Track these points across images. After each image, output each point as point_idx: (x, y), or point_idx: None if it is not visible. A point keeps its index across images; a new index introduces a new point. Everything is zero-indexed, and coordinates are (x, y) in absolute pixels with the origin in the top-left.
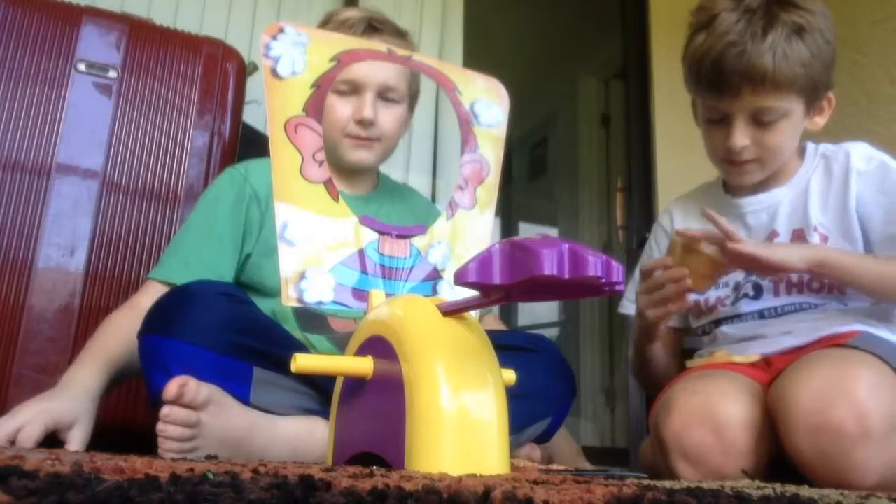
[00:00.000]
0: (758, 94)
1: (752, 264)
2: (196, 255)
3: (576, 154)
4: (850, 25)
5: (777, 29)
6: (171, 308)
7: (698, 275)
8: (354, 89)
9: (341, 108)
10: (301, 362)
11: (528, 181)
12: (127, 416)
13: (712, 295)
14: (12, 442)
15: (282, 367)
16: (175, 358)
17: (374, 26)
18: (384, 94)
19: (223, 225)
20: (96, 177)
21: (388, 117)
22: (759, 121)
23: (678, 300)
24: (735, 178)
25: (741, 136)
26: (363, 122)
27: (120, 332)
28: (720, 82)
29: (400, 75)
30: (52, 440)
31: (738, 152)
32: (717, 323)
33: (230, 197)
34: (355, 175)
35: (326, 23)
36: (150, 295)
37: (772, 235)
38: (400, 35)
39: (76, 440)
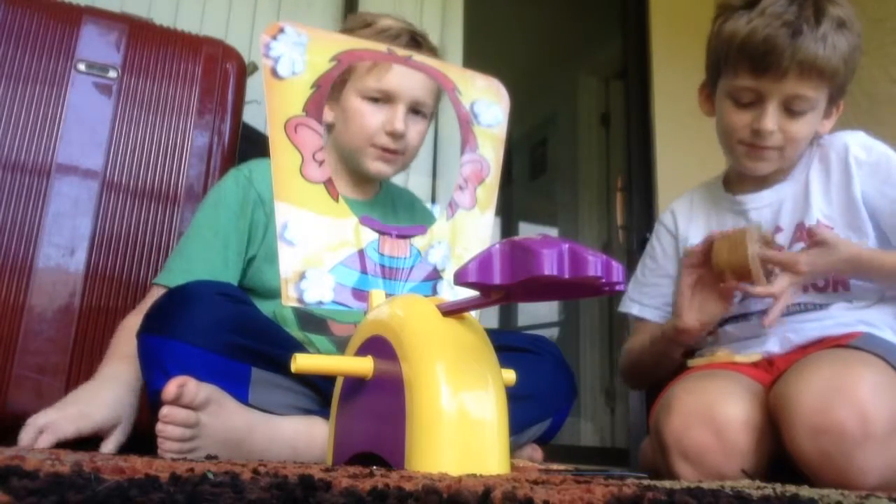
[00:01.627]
0: (801, 79)
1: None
2: (200, 261)
3: (576, 154)
4: None
5: (828, 19)
6: (169, 308)
7: (736, 274)
8: (388, 99)
9: (372, 116)
10: (301, 362)
11: (528, 181)
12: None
13: None
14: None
15: (280, 367)
16: (173, 358)
17: (416, 40)
18: (414, 108)
19: (228, 229)
20: (96, 177)
21: (414, 132)
22: (790, 109)
23: (722, 300)
24: (751, 163)
25: (772, 121)
26: (394, 135)
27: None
28: (768, 61)
29: (430, 91)
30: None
31: (765, 136)
32: (722, 322)
33: (235, 200)
34: (361, 180)
35: (355, 28)
36: (154, 297)
37: (775, 231)
38: (434, 51)
39: (113, 442)
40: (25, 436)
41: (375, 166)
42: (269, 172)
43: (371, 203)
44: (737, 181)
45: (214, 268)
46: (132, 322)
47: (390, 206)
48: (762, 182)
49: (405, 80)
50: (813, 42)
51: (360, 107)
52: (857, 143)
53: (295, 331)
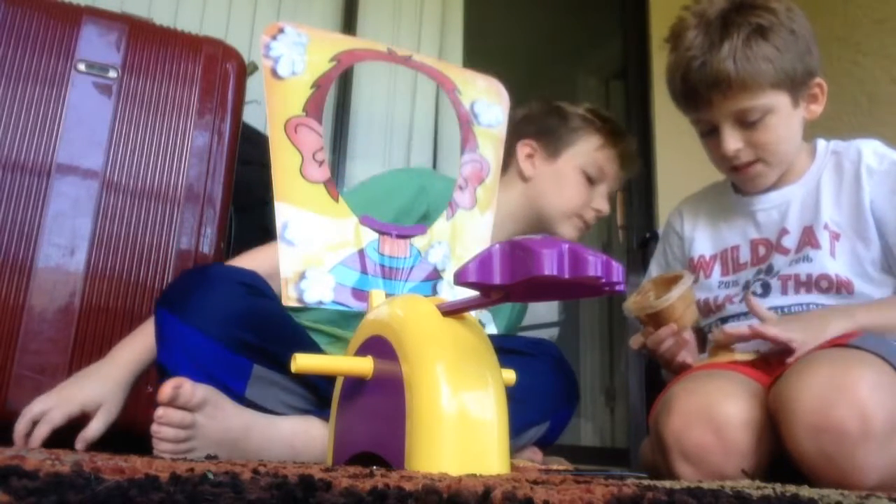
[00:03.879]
0: (729, 98)
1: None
2: None
3: None
4: (850, 25)
5: (734, 35)
6: (187, 287)
7: (652, 322)
8: (599, 180)
9: (587, 191)
10: (301, 362)
11: None
12: (127, 417)
13: (721, 293)
14: (35, 423)
15: (282, 366)
16: (179, 340)
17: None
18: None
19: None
20: (96, 177)
21: None
22: (745, 122)
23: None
24: (747, 184)
25: (732, 141)
26: (600, 214)
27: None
28: (691, 96)
29: None
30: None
31: (734, 157)
32: (724, 321)
33: (407, 199)
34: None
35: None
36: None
37: (782, 233)
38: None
39: (95, 426)
40: (20, 426)
41: (570, 233)
42: (445, 189)
43: None
44: None
45: None
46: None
47: None
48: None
49: (618, 167)
50: (720, 63)
51: (580, 178)
52: (871, 151)
53: (330, 327)
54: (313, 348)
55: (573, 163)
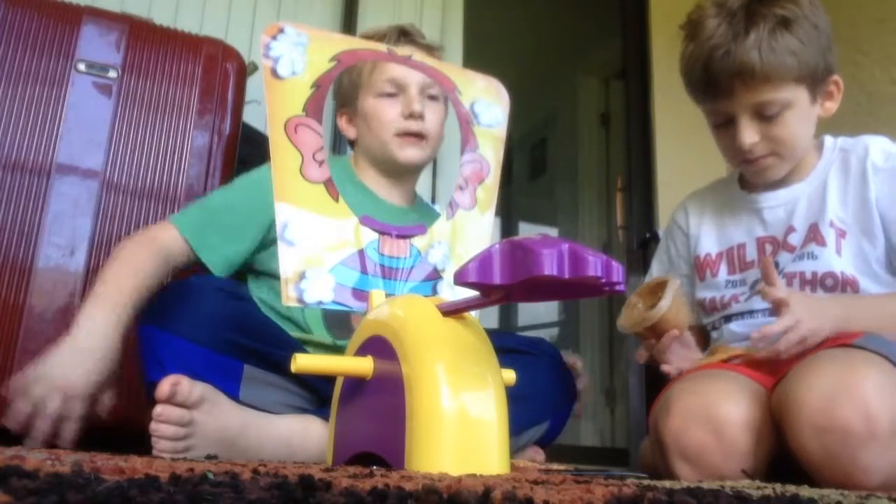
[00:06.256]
0: (751, 89)
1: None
2: (221, 219)
3: (576, 154)
4: (850, 25)
5: (759, 25)
6: (168, 300)
7: (648, 333)
8: (399, 88)
9: (390, 108)
10: (301, 362)
11: (528, 181)
12: (125, 416)
13: (728, 292)
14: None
15: (273, 365)
16: (168, 351)
17: (406, 32)
18: (426, 92)
19: (259, 205)
20: (96, 177)
21: (431, 115)
22: (763, 115)
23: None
24: (757, 177)
25: (749, 133)
26: (413, 116)
27: (135, 266)
28: (712, 85)
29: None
30: None
31: (749, 150)
32: (727, 319)
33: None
34: (401, 185)
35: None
36: (165, 232)
37: (788, 231)
38: (430, 47)
39: (104, 409)
40: (45, 426)
41: (405, 154)
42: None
43: (413, 209)
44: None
45: (231, 232)
46: (129, 250)
47: (426, 210)
48: (778, 181)
49: (406, 68)
50: (745, 53)
51: (376, 104)
52: (878, 149)
53: (324, 336)
54: (298, 347)
55: (367, 98)
